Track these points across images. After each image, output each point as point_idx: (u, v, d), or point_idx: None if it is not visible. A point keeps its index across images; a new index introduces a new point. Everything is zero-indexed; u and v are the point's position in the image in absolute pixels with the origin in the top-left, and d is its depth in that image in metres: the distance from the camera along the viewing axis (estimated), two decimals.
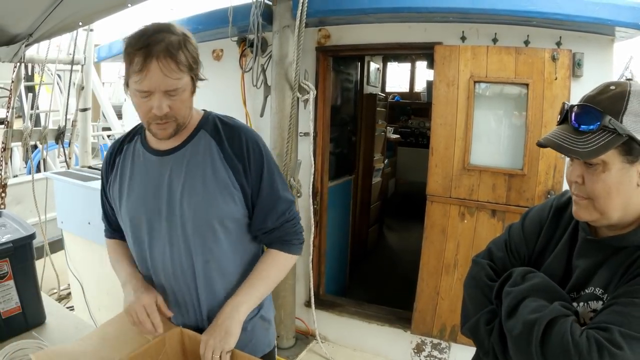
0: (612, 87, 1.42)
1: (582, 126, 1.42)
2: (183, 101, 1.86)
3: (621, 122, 1.36)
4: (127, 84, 1.84)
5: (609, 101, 1.39)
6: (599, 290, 1.46)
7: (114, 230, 2.30)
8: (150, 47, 1.73)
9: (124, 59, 1.81)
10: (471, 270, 1.82)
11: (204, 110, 2.12)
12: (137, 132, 2.14)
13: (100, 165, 5.82)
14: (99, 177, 4.94)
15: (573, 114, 1.45)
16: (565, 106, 1.50)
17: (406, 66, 12.04)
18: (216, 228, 1.98)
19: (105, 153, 2.24)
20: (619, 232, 1.48)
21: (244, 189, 1.99)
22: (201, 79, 1.94)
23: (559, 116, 1.53)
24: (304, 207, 4.80)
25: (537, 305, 1.46)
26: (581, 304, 1.50)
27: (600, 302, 1.44)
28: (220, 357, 1.86)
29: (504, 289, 1.59)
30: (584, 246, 1.57)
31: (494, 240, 1.88)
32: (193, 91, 1.92)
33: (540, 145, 1.51)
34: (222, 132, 2.01)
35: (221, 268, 2.05)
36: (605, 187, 1.42)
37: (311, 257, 4.89)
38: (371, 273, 6.79)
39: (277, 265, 2.13)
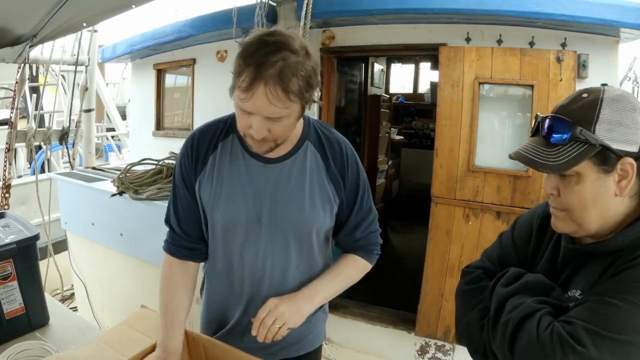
0: (585, 95, 1.39)
1: (552, 138, 1.39)
2: (285, 127, 1.75)
3: (594, 131, 1.33)
4: (232, 91, 1.72)
5: (580, 111, 1.37)
6: (577, 292, 1.46)
7: (180, 245, 2.06)
8: (261, 67, 1.59)
9: (234, 63, 1.69)
10: (460, 280, 1.83)
11: (303, 117, 1.96)
12: (231, 129, 1.99)
13: (105, 166, 5.82)
14: (103, 178, 5.00)
15: (544, 126, 1.42)
16: (538, 117, 1.47)
17: (410, 67, 12.02)
18: (313, 237, 2.01)
19: (187, 146, 2.02)
20: (598, 239, 1.46)
21: (342, 202, 2.02)
22: (314, 102, 1.78)
23: (533, 127, 1.50)
24: None
25: (514, 304, 1.46)
26: (564, 304, 1.49)
27: None
28: (278, 331, 1.83)
29: (496, 287, 1.59)
30: (566, 254, 1.56)
31: (485, 251, 1.87)
32: (300, 116, 1.79)
33: (512, 158, 1.49)
34: (326, 145, 1.99)
35: (308, 272, 2.08)
36: (580, 199, 1.40)
37: None
38: (375, 275, 6.73)
39: (355, 269, 2.16)
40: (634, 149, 1.33)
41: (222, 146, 1.98)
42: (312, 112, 4.49)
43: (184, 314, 1.99)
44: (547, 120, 1.41)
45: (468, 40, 4.19)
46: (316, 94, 1.75)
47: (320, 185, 1.95)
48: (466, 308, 1.71)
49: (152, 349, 1.85)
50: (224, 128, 2.00)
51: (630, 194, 1.39)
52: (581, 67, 3.90)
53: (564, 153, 1.36)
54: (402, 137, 9.66)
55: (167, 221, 2.09)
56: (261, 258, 1.98)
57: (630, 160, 1.33)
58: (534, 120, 1.50)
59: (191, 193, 2.01)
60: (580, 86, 3.86)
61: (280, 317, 1.83)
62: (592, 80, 3.90)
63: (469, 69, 4.11)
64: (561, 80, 3.90)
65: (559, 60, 3.90)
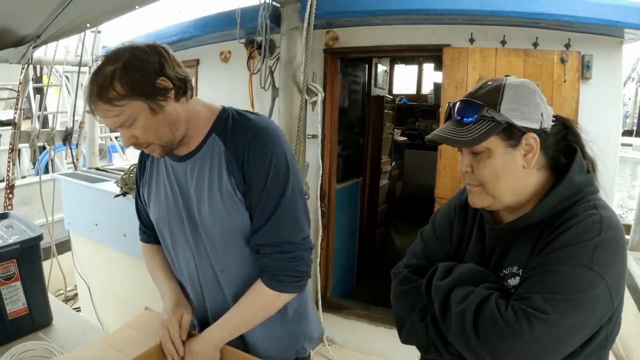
0: (490, 83, 1.56)
1: (464, 119, 1.54)
2: (144, 127, 1.78)
3: (499, 110, 1.49)
4: None
5: (486, 95, 1.53)
6: (515, 269, 1.57)
7: (148, 233, 2.28)
8: (89, 92, 1.74)
9: None
10: (393, 282, 1.88)
11: (222, 107, 2.00)
12: None
13: (108, 167, 5.84)
14: (107, 178, 5.02)
15: (455, 109, 1.57)
16: (450, 104, 1.61)
17: (413, 68, 12.02)
18: (226, 237, 1.93)
19: (138, 156, 2.22)
20: (519, 215, 1.60)
21: (246, 196, 1.88)
22: (164, 90, 1.78)
23: (446, 114, 1.64)
24: (312, 209, 4.78)
25: (464, 293, 1.52)
26: (503, 284, 1.59)
27: (518, 278, 1.54)
28: None
29: (433, 283, 1.64)
30: (492, 235, 1.69)
31: (410, 249, 1.96)
32: (155, 110, 1.77)
33: (429, 141, 1.63)
34: (229, 132, 1.90)
35: (233, 278, 2.00)
36: (492, 172, 1.54)
37: (319, 259, 4.88)
38: (378, 276, 6.74)
39: (257, 305, 1.96)
40: (536, 126, 1.51)
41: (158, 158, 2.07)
42: (317, 112, 4.48)
43: (172, 276, 2.18)
44: (458, 104, 1.57)
45: (472, 41, 4.18)
46: (161, 83, 1.75)
47: (219, 179, 1.87)
48: (405, 310, 1.77)
49: (157, 350, 1.85)
50: None
51: (538, 167, 1.56)
52: (585, 68, 3.90)
53: (474, 130, 1.51)
54: (405, 138, 9.65)
55: (139, 220, 2.32)
56: (190, 260, 2.02)
57: (534, 135, 1.50)
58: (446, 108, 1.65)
59: (141, 199, 2.21)
60: (585, 88, 3.89)
61: None
62: (596, 81, 3.91)
63: (472, 69, 4.10)
64: (565, 81, 3.89)
65: (562, 61, 3.90)
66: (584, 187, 1.55)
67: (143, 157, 2.16)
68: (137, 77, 1.72)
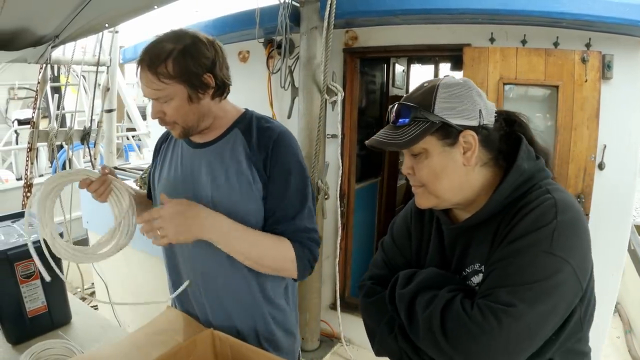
0: (425, 84, 1.59)
1: (398, 121, 1.57)
2: (176, 108, 1.93)
3: (433, 111, 1.51)
4: None
5: (421, 96, 1.56)
6: (477, 266, 1.58)
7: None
8: (140, 57, 1.89)
9: None
10: (360, 294, 1.88)
11: (245, 109, 2.18)
12: None
13: (125, 166, 5.86)
14: (124, 177, 5.02)
15: (392, 113, 1.61)
16: (389, 108, 1.64)
17: (429, 68, 11.97)
18: (235, 220, 1.99)
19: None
20: (473, 212, 1.61)
21: (266, 188, 2.02)
22: (206, 86, 1.95)
23: (386, 119, 1.67)
24: (331, 209, 4.76)
25: (428, 298, 1.52)
26: (466, 283, 1.60)
27: (481, 275, 1.55)
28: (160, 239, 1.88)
29: (395, 292, 1.64)
30: (450, 235, 1.70)
31: (372, 261, 1.97)
32: (192, 100, 1.94)
33: (369, 146, 1.64)
34: (255, 132, 2.05)
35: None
36: (430, 172, 1.56)
37: (337, 259, 4.85)
38: None
39: (278, 248, 2.00)
40: (474, 123, 1.52)
41: (171, 137, 2.27)
42: (337, 112, 4.46)
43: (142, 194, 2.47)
44: (394, 108, 1.60)
45: (492, 40, 4.14)
46: (207, 79, 1.93)
47: (238, 170, 2.00)
48: (374, 323, 1.76)
49: (178, 349, 1.84)
50: None
51: (481, 163, 1.58)
52: (606, 67, 3.84)
53: (409, 132, 1.53)
54: None
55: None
56: (191, 244, 2.01)
57: (472, 132, 1.52)
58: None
59: (151, 178, 2.37)
60: (605, 87, 3.85)
61: (165, 231, 1.86)
62: (617, 81, 3.85)
63: (493, 69, 4.06)
64: (586, 81, 3.84)
65: (583, 60, 3.85)
66: (535, 173, 1.57)
67: (160, 141, 2.34)
68: (190, 64, 1.88)
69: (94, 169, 5.84)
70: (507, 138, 1.61)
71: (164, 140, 2.32)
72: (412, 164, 1.60)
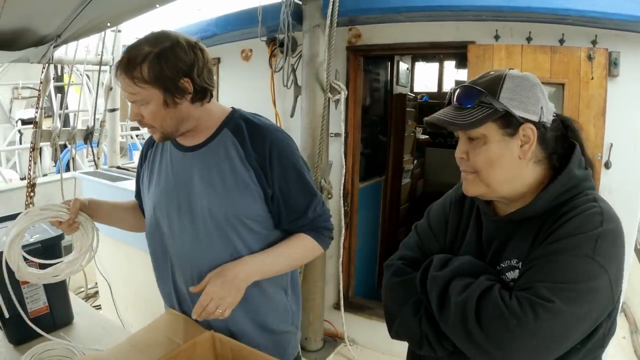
0: (492, 72, 1.59)
1: (462, 103, 1.57)
2: (153, 112, 1.92)
3: (498, 98, 1.51)
4: None
5: (487, 82, 1.55)
6: (514, 261, 1.57)
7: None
8: (120, 58, 1.90)
9: None
10: (385, 274, 1.89)
11: (232, 108, 2.18)
12: None
13: (129, 165, 5.86)
14: (127, 177, 5.02)
15: (455, 94, 1.60)
16: (450, 89, 1.65)
17: (434, 66, 11.95)
18: (236, 225, 2.04)
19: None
20: (515, 208, 1.61)
21: (265, 189, 2.03)
22: (182, 91, 1.93)
23: (446, 99, 1.68)
24: (335, 208, 4.74)
25: (464, 284, 1.52)
26: (501, 277, 1.59)
27: (517, 271, 1.55)
28: (223, 312, 1.93)
29: (429, 274, 1.64)
30: (491, 227, 1.70)
31: (403, 242, 1.98)
32: (168, 104, 1.92)
33: (427, 122, 1.66)
34: (246, 131, 2.06)
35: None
36: (487, 159, 1.56)
37: (341, 258, 4.84)
38: None
39: (301, 247, 2.15)
40: (535, 118, 1.52)
41: (157, 142, 2.24)
42: (340, 110, 4.44)
43: (121, 206, 2.50)
44: (458, 89, 1.60)
45: (497, 37, 4.11)
46: (183, 84, 1.91)
47: (233, 171, 2.01)
48: (397, 304, 1.76)
49: (179, 352, 1.82)
50: None
51: (535, 160, 1.58)
52: (612, 65, 3.82)
53: (472, 115, 1.53)
54: (427, 137, 9.58)
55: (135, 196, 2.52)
56: (187, 247, 2.09)
57: (532, 126, 1.52)
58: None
59: (139, 184, 2.39)
60: (612, 85, 3.83)
61: (222, 304, 1.91)
62: (623, 79, 3.83)
63: (498, 67, 3.98)
64: (592, 78, 3.82)
65: (590, 58, 3.82)
66: (582, 182, 1.57)
67: (146, 147, 2.34)
68: (165, 69, 1.86)
69: (97, 168, 5.87)
70: (562, 140, 1.61)
71: (150, 145, 2.31)
72: (467, 149, 1.60)
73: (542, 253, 1.45)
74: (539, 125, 1.53)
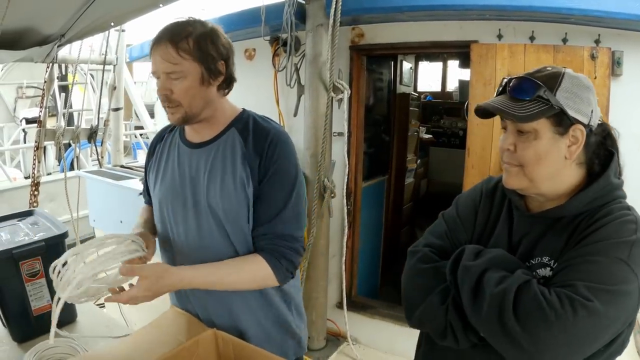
0: (549, 68, 1.58)
1: (520, 95, 1.55)
2: (186, 88, 1.94)
3: (555, 95, 1.50)
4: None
5: (545, 77, 1.54)
6: (546, 259, 1.58)
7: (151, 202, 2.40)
8: (159, 34, 1.93)
9: None
10: (410, 260, 1.87)
11: (243, 108, 2.19)
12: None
13: (132, 164, 5.87)
14: (131, 175, 5.03)
15: (512, 85, 1.58)
16: (505, 78, 1.63)
17: (437, 65, 11.94)
18: (234, 223, 2.03)
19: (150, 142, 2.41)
20: (554, 205, 1.61)
21: (256, 189, 2.02)
22: (218, 73, 2.00)
23: (498, 88, 1.66)
24: (338, 208, 4.77)
25: (500, 276, 1.52)
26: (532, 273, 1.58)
27: (548, 269, 1.56)
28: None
29: (461, 264, 1.62)
30: (522, 222, 1.70)
31: (429, 229, 1.96)
32: (203, 82, 1.97)
33: (480, 108, 1.64)
34: (252, 131, 2.06)
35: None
36: (535, 154, 1.55)
37: (344, 257, 4.84)
38: None
39: (251, 275, 2.02)
40: (585, 121, 1.53)
41: (166, 137, 2.27)
42: (343, 110, 4.44)
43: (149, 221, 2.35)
44: (515, 80, 1.58)
45: (500, 37, 4.11)
46: (220, 66, 1.99)
47: (233, 168, 2.02)
48: (422, 291, 1.74)
49: (181, 349, 1.83)
50: (174, 125, 2.25)
51: (577, 162, 1.59)
52: (615, 64, 3.82)
53: (528, 108, 1.52)
54: (431, 136, 9.58)
55: (144, 192, 2.50)
56: (192, 241, 2.09)
57: (581, 127, 1.52)
58: (500, 82, 1.67)
59: (147, 179, 2.36)
60: (615, 84, 3.83)
61: (132, 300, 1.84)
62: (626, 78, 3.82)
63: (501, 66, 4.03)
64: (595, 77, 3.81)
65: (593, 57, 3.82)
66: (616, 190, 1.59)
67: (154, 142, 2.34)
68: (210, 48, 1.95)
69: (101, 167, 5.89)
70: (602, 147, 1.62)
71: (159, 140, 2.31)
72: (515, 141, 1.59)
73: (580, 253, 1.47)
74: (588, 128, 1.54)
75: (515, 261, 1.61)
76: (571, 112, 1.50)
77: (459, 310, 1.60)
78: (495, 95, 1.66)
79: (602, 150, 1.61)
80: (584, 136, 1.52)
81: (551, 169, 1.56)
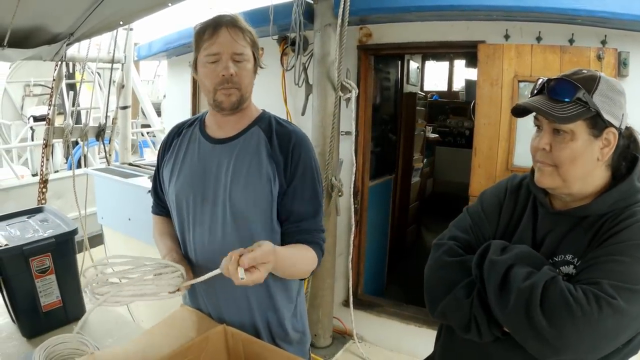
0: (585, 71, 1.61)
1: (560, 96, 1.58)
2: (247, 71, 2.02)
3: (592, 98, 1.54)
4: (195, 64, 2.07)
5: (583, 80, 1.57)
6: (569, 257, 1.62)
7: (161, 207, 2.41)
8: (219, 19, 2.00)
9: (194, 41, 2.06)
10: (435, 253, 1.89)
11: (263, 109, 2.23)
12: (197, 119, 2.28)
13: (140, 162, 5.87)
14: (139, 173, 5.04)
15: (550, 86, 1.62)
16: (541, 80, 1.67)
17: (444, 65, 11.92)
18: (256, 218, 2.05)
19: (165, 136, 2.38)
20: (579, 204, 1.65)
21: (282, 184, 2.06)
22: (261, 66, 2.12)
23: (534, 89, 1.69)
24: (345, 206, 4.78)
25: (526, 272, 1.55)
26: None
27: (572, 267, 1.60)
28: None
29: (488, 258, 1.65)
30: (547, 219, 1.73)
31: (454, 223, 1.99)
32: (255, 70, 2.08)
33: (518, 107, 1.69)
34: (275, 131, 2.11)
35: None
36: (570, 155, 1.58)
37: (350, 256, 4.85)
38: (409, 273, 6.67)
39: (308, 258, 2.07)
40: (617, 124, 1.57)
41: (184, 132, 2.26)
42: (351, 109, 4.46)
43: (176, 241, 2.26)
44: (555, 81, 1.61)
45: (507, 37, 4.12)
46: (260, 53, 2.11)
47: (259, 165, 2.05)
48: (446, 284, 1.77)
49: (191, 345, 1.84)
50: (193, 120, 2.30)
51: (606, 163, 1.63)
52: (622, 65, 3.82)
53: (567, 109, 1.55)
54: (437, 136, 9.56)
55: (151, 191, 2.48)
56: (207, 237, 2.09)
57: (614, 130, 1.57)
58: (535, 82, 1.71)
59: (160, 175, 2.33)
60: (621, 85, 3.80)
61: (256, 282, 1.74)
62: (633, 79, 3.81)
63: (508, 66, 4.04)
64: None
65: (599, 58, 3.82)
66: (639, 193, 1.61)
67: (171, 136, 2.31)
68: (256, 39, 2.08)
69: (108, 165, 5.91)
70: (626, 150, 1.65)
71: (176, 134, 2.30)
72: (551, 141, 1.62)
73: (605, 252, 1.50)
74: (619, 131, 1.58)
75: (540, 258, 1.63)
76: (606, 115, 1.54)
77: (484, 304, 1.63)
78: (530, 95, 1.70)
79: (628, 153, 1.65)
80: (616, 139, 1.57)
81: (584, 170, 1.60)
